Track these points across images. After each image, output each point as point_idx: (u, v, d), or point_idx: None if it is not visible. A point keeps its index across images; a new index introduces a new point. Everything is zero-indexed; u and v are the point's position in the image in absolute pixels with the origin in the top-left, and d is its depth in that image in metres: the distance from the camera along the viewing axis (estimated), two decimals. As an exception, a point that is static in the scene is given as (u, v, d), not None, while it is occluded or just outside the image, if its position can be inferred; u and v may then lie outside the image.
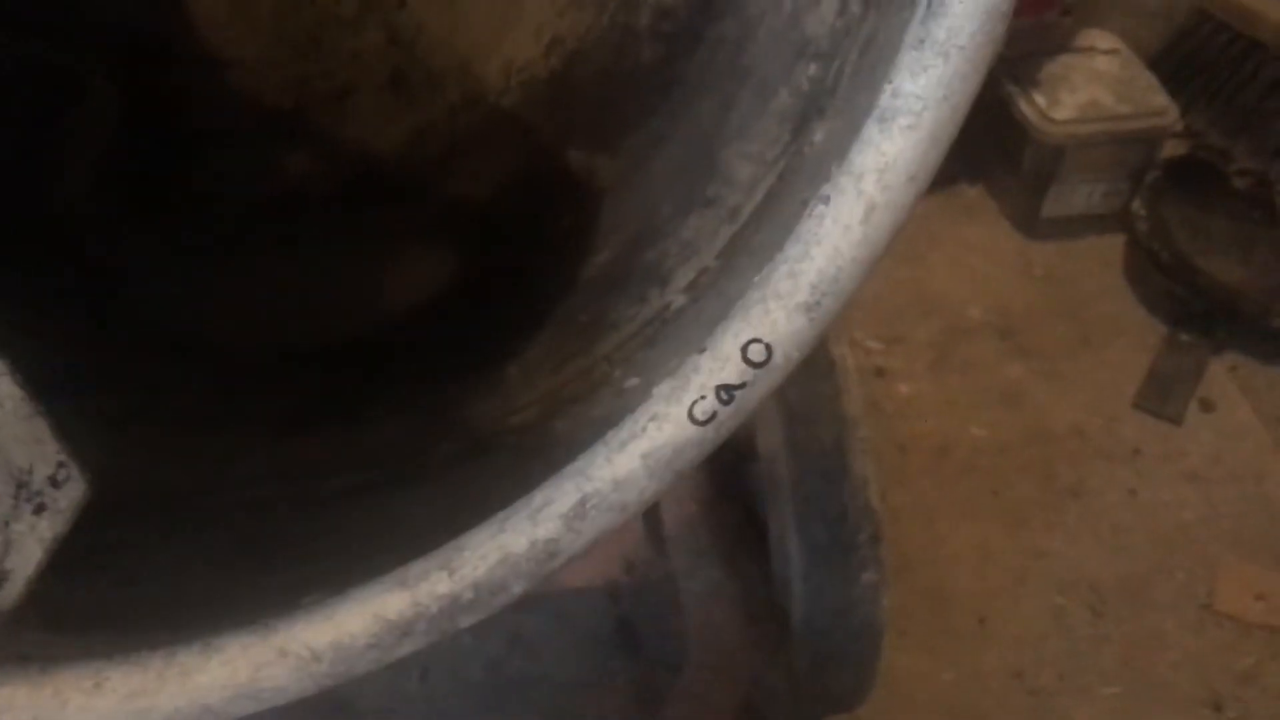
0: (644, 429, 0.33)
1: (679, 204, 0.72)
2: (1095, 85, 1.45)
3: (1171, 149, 1.54)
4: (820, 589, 0.75)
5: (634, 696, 1.04)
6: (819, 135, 0.64)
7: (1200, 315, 1.40)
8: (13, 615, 0.36)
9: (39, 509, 0.36)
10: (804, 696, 0.82)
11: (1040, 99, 1.43)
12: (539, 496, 0.33)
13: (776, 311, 0.32)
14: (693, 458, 0.33)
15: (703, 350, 0.33)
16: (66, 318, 0.67)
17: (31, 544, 0.36)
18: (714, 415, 0.33)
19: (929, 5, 0.31)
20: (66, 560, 0.37)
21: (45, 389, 0.37)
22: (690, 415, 0.33)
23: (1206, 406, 1.33)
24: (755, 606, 0.78)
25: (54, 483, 0.36)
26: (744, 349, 0.32)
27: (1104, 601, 1.13)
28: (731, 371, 0.33)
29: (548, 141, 0.83)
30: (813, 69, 0.66)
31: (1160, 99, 1.46)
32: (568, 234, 0.80)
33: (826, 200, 0.32)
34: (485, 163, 0.84)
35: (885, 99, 0.32)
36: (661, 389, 0.34)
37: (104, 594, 0.40)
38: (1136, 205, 1.47)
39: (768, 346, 0.32)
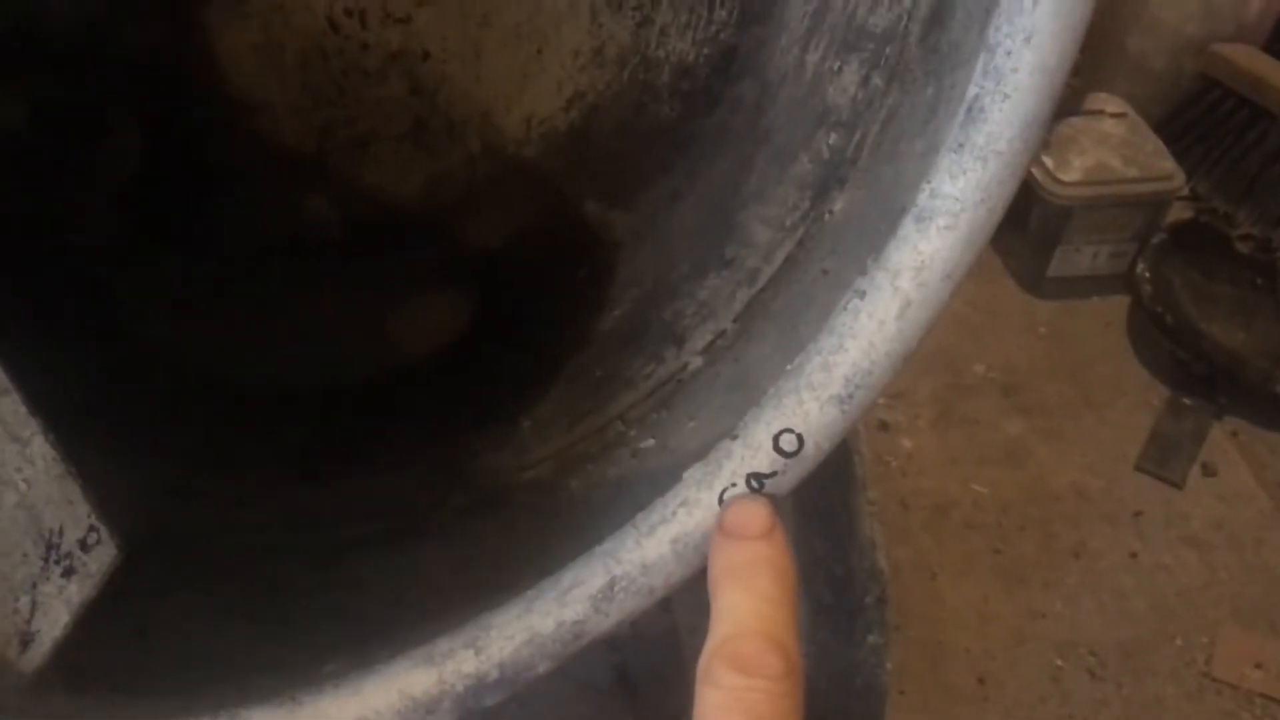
0: (674, 513, 0.34)
1: (696, 263, 0.73)
2: (1103, 148, 1.46)
3: (1177, 213, 1.55)
4: (824, 650, 0.75)
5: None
6: (839, 204, 0.65)
7: (1203, 379, 1.41)
8: (38, 678, 0.36)
9: (68, 572, 0.36)
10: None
11: (1049, 160, 1.44)
12: (567, 577, 0.33)
13: (810, 402, 0.33)
14: (721, 544, 0.34)
15: (735, 437, 0.34)
16: (78, 353, 0.67)
17: (59, 607, 0.36)
18: (743, 504, 0.33)
19: (969, 110, 0.32)
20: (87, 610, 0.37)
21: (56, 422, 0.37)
22: (721, 502, 0.33)
23: (1208, 471, 1.33)
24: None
25: (84, 546, 0.36)
26: (776, 438, 0.33)
27: (1103, 665, 1.13)
28: (763, 460, 0.33)
29: (565, 194, 0.84)
30: (833, 138, 0.67)
31: (1167, 163, 1.47)
32: (582, 286, 0.81)
33: (862, 295, 0.33)
34: (502, 212, 0.85)
35: (924, 199, 0.32)
36: (693, 474, 0.34)
37: (120, 647, 0.41)
38: (1141, 268, 1.48)
39: (799, 437, 0.33)
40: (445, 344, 0.81)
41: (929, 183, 0.32)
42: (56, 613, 0.36)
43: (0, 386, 0.39)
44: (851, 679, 0.76)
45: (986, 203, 0.31)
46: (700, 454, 0.59)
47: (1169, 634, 1.17)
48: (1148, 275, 1.47)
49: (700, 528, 0.33)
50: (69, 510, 0.37)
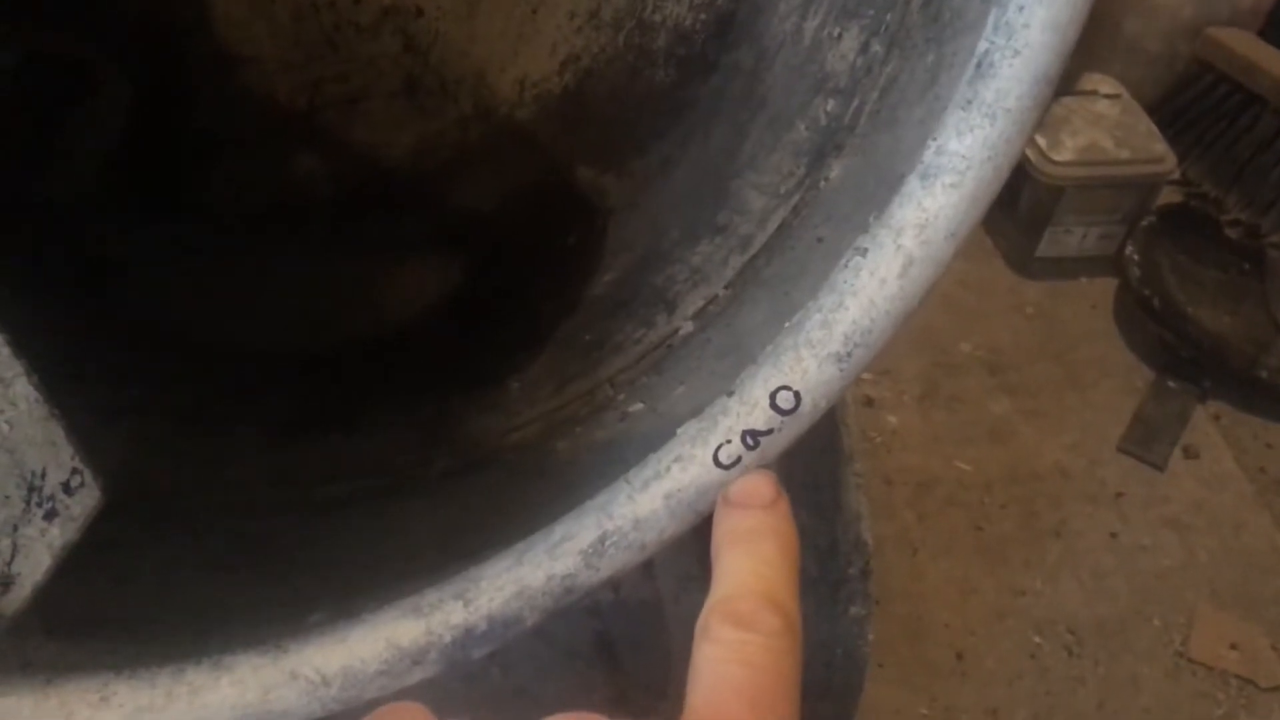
0: (668, 469, 0.33)
1: (688, 229, 0.72)
2: (1096, 129, 1.46)
3: (1167, 196, 1.55)
4: (806, 622, 0.75)
5: (611, 713, 1.03)
6: (835, 171, 0.64)
7: (1188, 362, 1.41)
8: (16, 622, 0.36)
9: (50, 515, 0.36)
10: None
11: (1041, 140, 1.44)
12: (558, 530, 0.33)
13: (808, 360, 0.32)
14: (714, 500, 0.33)
15: (731, 394, 0.33)
16: (64, 309, 0.67)
17: (40, 550, 0.36)
18: (738, 460, 0.33)
19: (978, 66, 0.31)
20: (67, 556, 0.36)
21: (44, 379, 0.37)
22: (715, 458, 0.33)
23: (1190, 453, 1.34)
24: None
25: (67, 489, 0.36)
26: (773, 395, 0.33)
27: (1080, 643, 1.14)
28: (759, 417, 0.33)
29: (557, 158, 0.83)
30: (831, 105, 0.66)
31: (1159, 146, 1.47)
32: (573, 252, 0.80)
33: (864, 252, 0.33)
34: (493, 175, 0.84)
35: (929, 156, 0.32)
36: (687, 429, 0.34)
37: (100, 595, 0.40)
38: (1130, 250, 1.48)
39: (797, 394, 0.32)
40: (434, 307, 0.81)
41: (935, 139, 0.32)
42: (38, 556, 0.36)
43: (-19, 327, 0.38)
44: (833, 650, 0.76)
45: (993, 160, 0.31)
46: (690, 418, 0.59)
47: (1147, 614, 1.17)
48: (1136, 258, 1.47)
49: (694, 483, 0.33)
50: (52, 452, 0.36)
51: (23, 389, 0.37)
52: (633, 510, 0.33)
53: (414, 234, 0.83)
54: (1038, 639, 1.14)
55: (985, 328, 1.45)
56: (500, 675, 1.08)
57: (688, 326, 0.67)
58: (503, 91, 0.81)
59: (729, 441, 0.33)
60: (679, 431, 0.34)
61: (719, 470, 0.33)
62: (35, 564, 0.36)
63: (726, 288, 0.67)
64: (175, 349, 0.71)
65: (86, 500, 0.36)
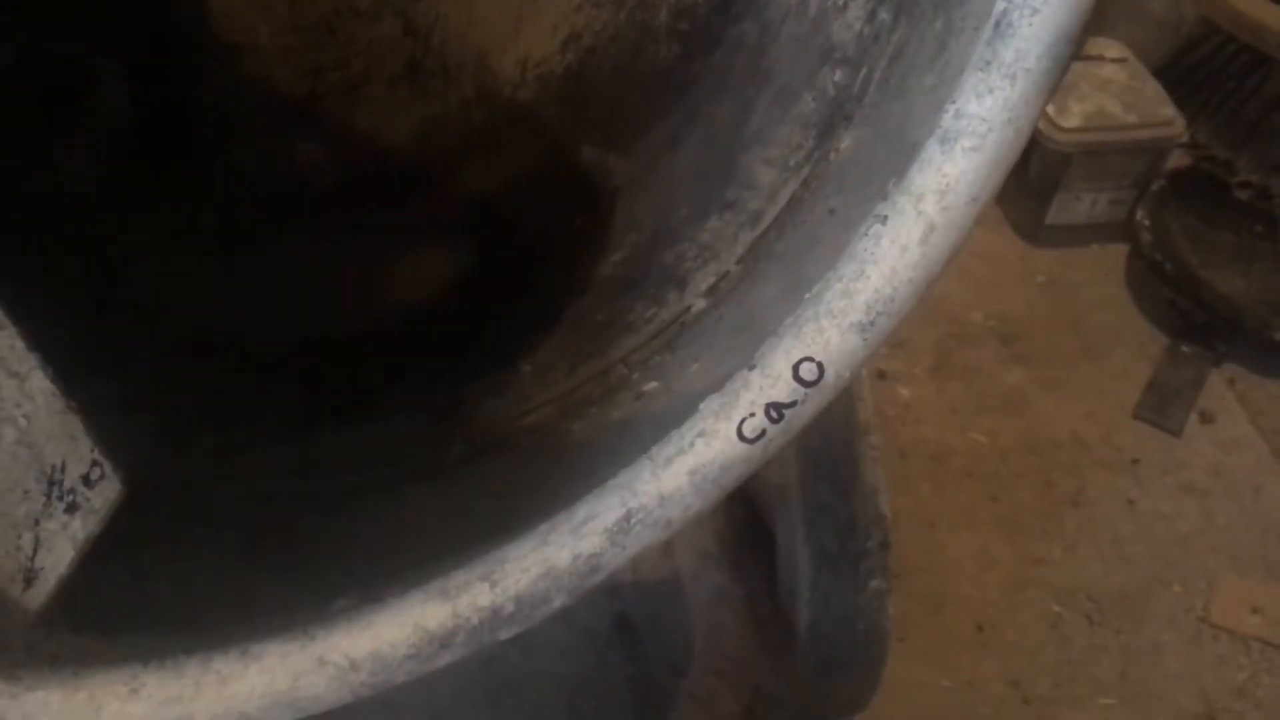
0: (691, 445, 0.33)
1: (697, 206, 0.72)
2: (1103, 94, 1.45)
3: (1177, 160, 1.54)
4: (828, 595, 0.75)
5: (631, 693, 1.04)
6: (845, 142, 0.64)
7: (1201, 327, 1.40)
8: (42, 616, 0.35)
9: (71, 508, 0.36)
10: (806, 703, 0.82)
11: (1049, 106, 1.43)
12: (582, 510, 0.33)
13: (830, 330, 0.32)
14: (739, 475, 0.33)
15: (753, 367, 0.33)
16: (74, 304, 0.66)
17: (63, 543, 0.36)
18: (763, 433, 0.33)
19: (996, 26, 0.30)
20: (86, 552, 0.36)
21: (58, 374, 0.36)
22: (739, 432, 0.33)
23: (1206, 418, 1.33)
24: (760, 611, 0.78)
25: (87, 481, 0.36)
26: (796, 367, 0.32)
27: (1101, 611, 1.13)
28: (782, 390, 0.32)
29: (561, 139, 0.82)
30: (839, 75, 0.65)
31: (1167, 109, 1.46)
32: (581, 233, 0.80)
33: (884, 220, 0.32)
34: (497, 158, 0.83)
35: (948, 120, 0.31)
36: (709, 404, 0.34)
37: (123, 590, 0.40)
38: (1140, 215, 1.47)
39: (820, 365, 0.32)
40: (442, 292, 0.80)
41: (953, 103, 0.31)
42: (60, 549, 0.35)
43: (-6, 323, 0.38)
44: (854, 624, 0.76)
45: (1014, 123, 0.31)
46: (705, 396, 0.59)
47: (1167, 581, 1.17)
48: (1147, 223, 1.46)
49: (718, 459, 0.33)
50: (71, 446, 0.36)
51: (39, 383, 0.37)
52: (657, 487, 0.33)
53: (420, 220, 0.82)
54: (1058, 608, 1.13)
55: (997, 297, 1.44)
56: (520, 657, 1.08)
57: (700, 304, 0.66)
58: (505, 73, 0.80)
59: (752, 415, 0.32)
60: (701, 407, 0.33)
61: (743, 444, 0.32)
62: (58, 557, 0.35)
63: (738, 263, 0.66)
64: (185, 341, 0.71)
65: (107, 492, 0.35)
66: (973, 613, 1.12)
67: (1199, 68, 1.62)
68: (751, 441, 0.32)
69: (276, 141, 0.80)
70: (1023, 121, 0.31)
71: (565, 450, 0.62)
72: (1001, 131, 0.31)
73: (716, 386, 0.59)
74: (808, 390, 0.32)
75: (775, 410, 0.32)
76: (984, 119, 0.31)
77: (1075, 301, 1.46)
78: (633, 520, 0.32)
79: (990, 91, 0.30)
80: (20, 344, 0.38)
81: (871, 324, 0.32)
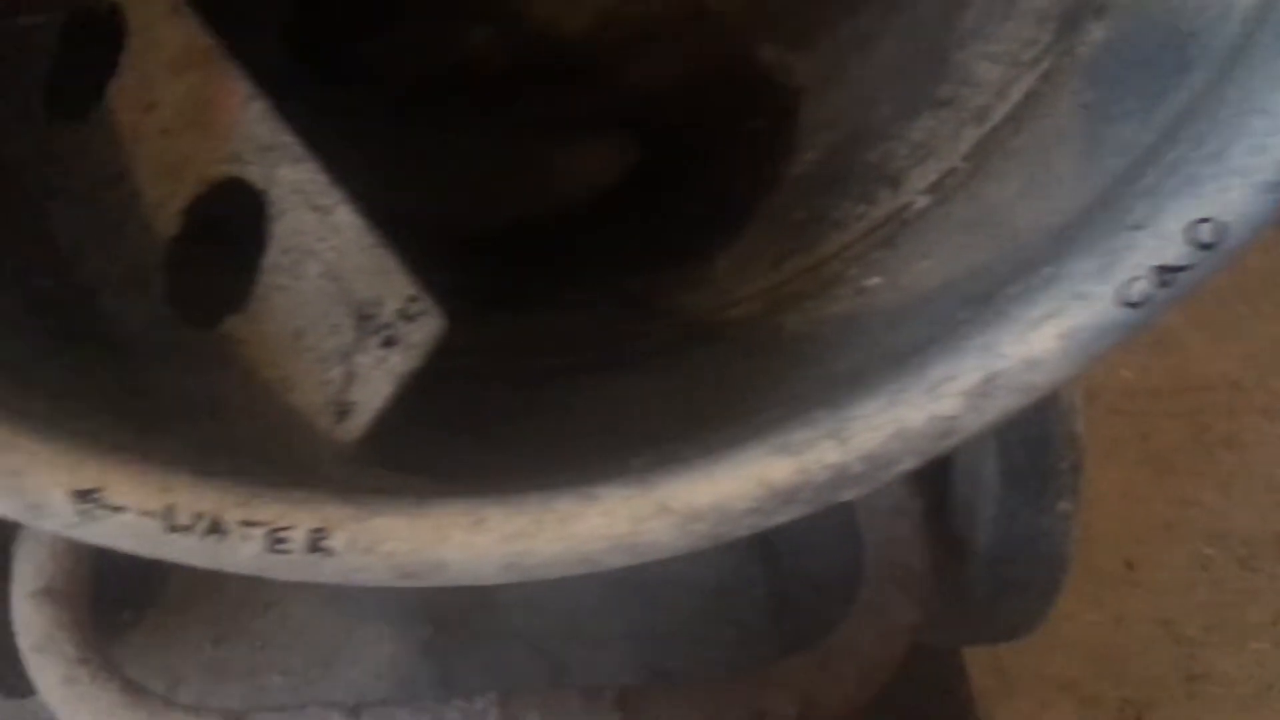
0: (1065, 307, 0.31)
1: (901, 105, 0.69)
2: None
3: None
4: (1013, 514, 0.73)
5: (770, 607, 1.03)
6: (1097, 34, 0.60)
7: (1369, 274, 1.34)
8: (358, 451, 0.35)
9: (388, 342, 0.35)
10: (972, 624, 0.81)
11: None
12: (935, 370, 0.31)
13: (1235, 189, 0.30)
14: (1113, 343, 0.31)
15: (1140, 227, 0.31)
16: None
17: (380, 378, 0.35)
18: (1146, 299, 0.30)
19: None
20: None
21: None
22: (1120, 296, 0.30)
23: (1370, 367, 1.28)
24: (935, 527, 0.76)
25: (405, 316, 0.35)
26: (1191, 228, 0.30)
27: (1255, 556, 1.10)
28: (1173, 252, 0.30)
29: (739, 35, 0.80)
30: (1082, -35, 0.62)
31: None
32: (763, 131, 0.77)
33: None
34: (671, 54, 0.81)
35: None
36: (1084, 266, 0.32)
37: (426, 432, 0.39)
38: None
39: (1222, 226, 0.30)
40: (614, 186, 0.79)
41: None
42: (377, 383, 0.35)
43: (294, 154, 0.37)
44: (1037, 546, 0.74)
45: None
46: (941, 291, 0.57)
47: (1323, 530, 1.13)
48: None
49: (1094, 323, 0.31)
50: (384, 281, 0.35)
51: (345, 217, 0.36)
52: (1024, 349, 0.31)
53: (589, 111, 0.80)
54: (1209, 550, 1.10)
55: (1151, 233, 1.38)
56: (659, 562, 1.08)
57: (922, 201, 0.64)
58: (688, -37, 0.78)
59: (1137, 278, 0.30)
60: (1071, 269, 0.31)
61: (1124, 309, 0.30)
62: (374, 392, 0.35)
63: (965, 160, 0.63)
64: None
65: (428, 327, 0.35)
66: (1121, 549, 1.09)
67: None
68: (1133, 307, 0.30)
69: (450, 23, 0.79)
70: None
71: (781, 342, 0.61)
72: None
73: (953, 281, 0.57)
74: (1203, 254, 0.30)
75: (1163, 274, 0.30)
76: None
77: (1234, 241, 1.39)
78: (996, 383, 0.31)
79: None
80: (323, 177, 0.37)
81: (1283, 185, 0.29)
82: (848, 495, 0.31)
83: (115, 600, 0.82)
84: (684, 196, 0.77)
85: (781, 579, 1.03)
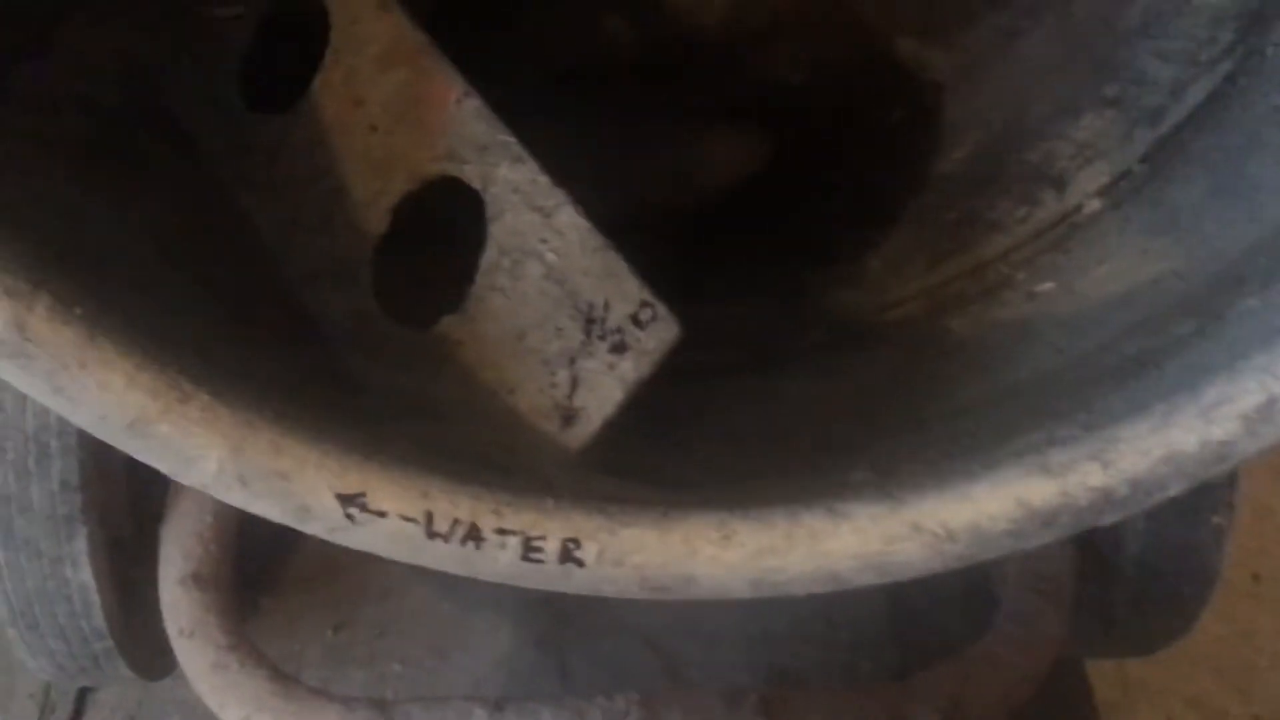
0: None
1: (1062, 103, 0.67)
2: None
3: None
4: (1164, 526, 0.71)
5: (885, 610, 1.01)
6: (1288, 36, 0.58)
7: None
8: (584, 457, 0.34)
9: (618, 348, 0.34)
10: (1111, 637, 0.79)
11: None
12: (1210, 392, 0.30)
13: None
14: None
15: None
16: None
17: (610, 383, 0.34)
18: None
19: None
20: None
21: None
22: None
23: None
24: (1080, 536, 0.74)
25: (637, 322, 0.34)
26: None
27: (1388, 574, 1.06)
28: None
29: (875, 28, 0.78)
30: (1269, -37, 0.59)
31: None
32: (901, 127, 0.76)
33: None
34: (805, 45, 0.80)
35: None
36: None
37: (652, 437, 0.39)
38: None
39: None
40: (750, 178, 0.78)
41: None
42: (606, 390, 0.34)
43: (514, 154, 0.36)
44: (1187, 560, 0.72)
45: None
46: (1124, 298, 0.55)
47: None
48: None
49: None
50: (613, 284, 0.34)
51: (569, 218, 0.36)
52: (1308, 371, 0.29)
53: (720, 103, 0.79)
54: (1339, 565, 1.06)
55: None
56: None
57: (1094, 204, 0.62)
58: (825, -46, 0.76)
59: None
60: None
61: None
62: (603, 398, 0.34)
63: (1141, 162, 0.61)
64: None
65: (663, 334, 0.34)
66: (1248, 561, 1.06)
67: None
68: None
69: (583, 12, 0.78)
70: None
71: (948, 346, 0.60)
72: None
73: (1133, 290, 0.55)
74: None
75: None
76: None
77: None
78: (1276, 406, 0.29)
79: None
80: (544, 178, 0.36)
81: None
82: (1109, 520, 0.30)
83: (244, 585, 0.83)
84: (825, 193, 0.76)
85: (898, 584, 1.02)
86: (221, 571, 0.66)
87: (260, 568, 0.92)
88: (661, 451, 0.44)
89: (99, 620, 0.65)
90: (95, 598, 0.64)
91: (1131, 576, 0.72)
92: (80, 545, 0.62)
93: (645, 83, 0.78)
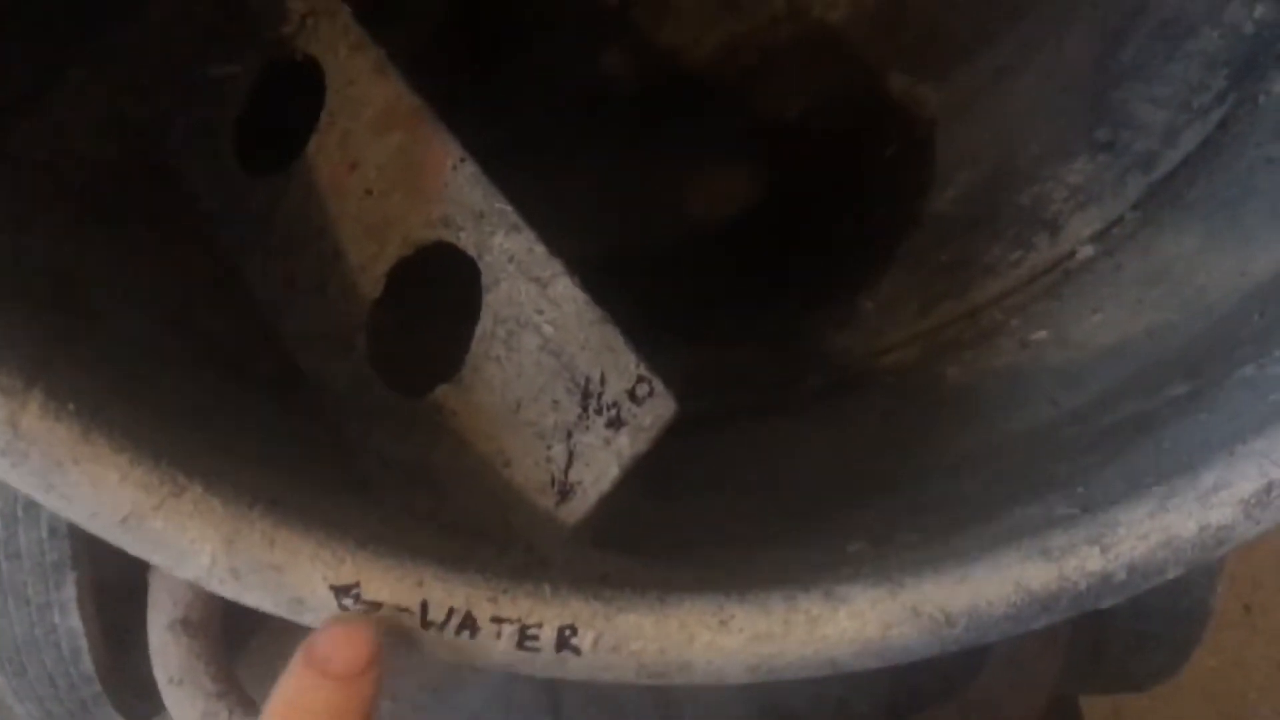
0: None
1: (1052, 144, 0.67)
2: None
3: None
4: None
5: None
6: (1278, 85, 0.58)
7: None
8: (577, 533, 0.34)
9: (615, 423, 0.34)
10: (1103, 675, 0.79)
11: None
12: (1208, 476, 0.30)
13: None
14: None
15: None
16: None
17: (606, 459, 0.34)
18: None
19: None
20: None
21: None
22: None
23: None
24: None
25: (634, 397, 0.34)
26: None
27: (1378, 602, 1.07)
28: None
29: (868, 63, 0.78)
30: (1259, 11, 0.60)
31: None
32: (894, 164, 0.76)
33: None
34: (799, 81, 0.80)
35: None
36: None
37: (647, 511, 0.39)
38: None
39: None
40: (743, 215, 0.78)
41: None
42: (603, 465, 0.34)
43: (510, 222, 0.36)
44: (1179, 599, 0.72)
45: None
46: (1117, 350, 0.55)
47: None
48: None
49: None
50: (610, 358, 0.34)
51: (565, 289, 0.35)
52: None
53: (716, 138, 0.80)
54: (1330, 595, 1.07)
55: None
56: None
57: (1087, 250, 0.62)
58: (820, -10, 0.77)
59: None
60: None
61: None
62: (599, 473, 0.34)
63: (1134, 209, 0.62)
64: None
65: (659, 410, 0.34)
66: (1240, 592, 1.06)
67: None
68: None
69: (582, 47, 0.79)
70: None
71: (942, 394, 0.60)
72: None
73: (1126, 341, 0.55)
74: None
75: None
76: None
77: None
78: (1275, 492, 0.29)
79: None
80: (541, 248, 0.36)
81: None
82: (1107, 603, 0.30)
83: (234, 626, 0.82)
84: (818, 231, 0.76)
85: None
86: (211, 616, 0.66)
87: (245, 609, 0.91)
88: (656, 509, 0.44)
89: (87, 666, 0.64)
90: (83, 643, 0.64)
91: (1124, 615, 0.72)
92: (69, 592, 0.61)
93: (643, 116, 0.79)
